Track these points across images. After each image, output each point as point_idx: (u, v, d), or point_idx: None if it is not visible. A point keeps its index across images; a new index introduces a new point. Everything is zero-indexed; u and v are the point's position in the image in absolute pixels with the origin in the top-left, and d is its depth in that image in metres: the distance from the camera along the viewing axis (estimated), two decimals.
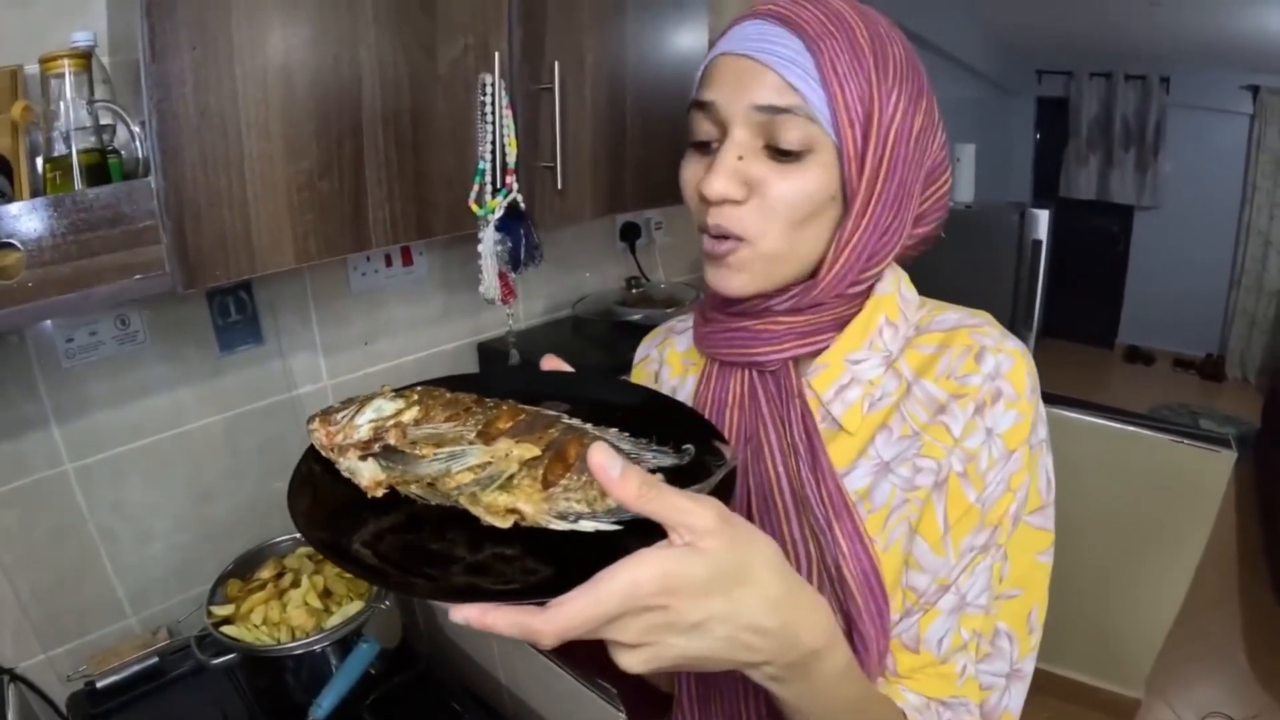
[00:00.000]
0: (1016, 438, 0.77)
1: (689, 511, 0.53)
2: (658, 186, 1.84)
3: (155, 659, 1.43)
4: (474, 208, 1.39)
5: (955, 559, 0.77)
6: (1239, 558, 3.46)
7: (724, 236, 0.77)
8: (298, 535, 1.49)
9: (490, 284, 1.42)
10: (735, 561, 0.54)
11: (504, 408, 0.70)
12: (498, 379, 0.84)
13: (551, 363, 0.80)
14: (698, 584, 0.53)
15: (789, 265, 0.78)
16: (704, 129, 0.79)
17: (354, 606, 1.37)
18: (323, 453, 0.70)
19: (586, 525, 0.59)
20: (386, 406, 0.71)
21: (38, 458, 1.40)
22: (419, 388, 0.74)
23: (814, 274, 0.80)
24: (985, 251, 3.10)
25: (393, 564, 0.60)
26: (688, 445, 0.67)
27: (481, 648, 1.42)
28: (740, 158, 0.75)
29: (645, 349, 1.07)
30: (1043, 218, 3.09)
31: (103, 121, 1.26)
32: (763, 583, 0.56)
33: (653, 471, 0.63)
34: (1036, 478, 0.80)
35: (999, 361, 0.78)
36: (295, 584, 1.38)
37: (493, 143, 1.39)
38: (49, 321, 1.37)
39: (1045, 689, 2.57)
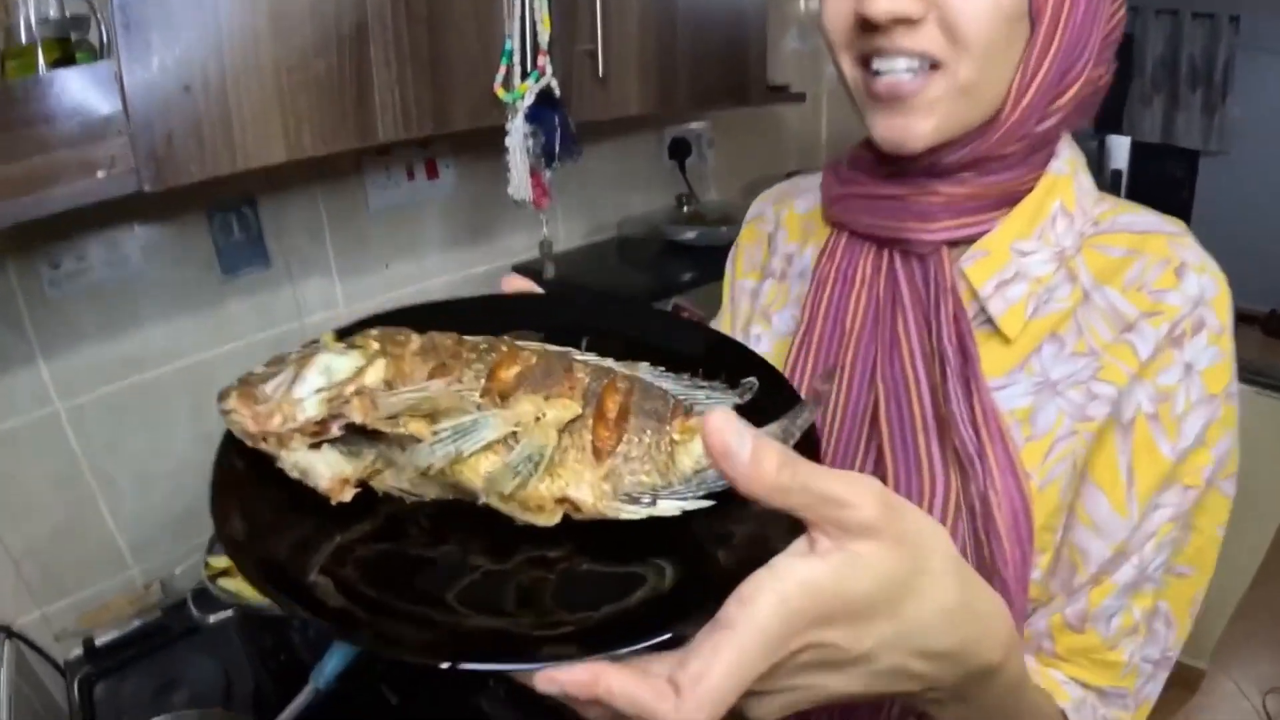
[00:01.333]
0: (1218, 380, 0.63)
1: (845, 503, 0.37)
2: (714, 85, 1.64)
3: (157, 614, 1.32)
4: (500, 93, 1.19)
5: (1138, 519, 0.64)
6: None
7: (909, 66, 0.62)
8: None
9: (520, 182, 1.21)
10: (906, 567, 0.39)
11: (502, 348, 0.51)
12: (456, 310, 0.63)
13: (516, 283, 0.64)
14: (862, 605, 0.38)
15: (975, 104, 0.63)
16: None
17: None
18: (249, 443, 0.48)
19: (669, 507, 0.44)
20: (338, 364, 0.48)
21: (25, 397, 1.27)
22: (374, 331, 0.51)
23: (993, 119, 0.65)
24: None
25: (365, 602, 0.41)
26: (748, 379, 0.52)
27: None
28: None
29: (760, 207, 0.90)
30: (1123, 145, 2.97)
31: (70, 13, 1.10)
32: (936, 590, 0.40)
33: None
34: (1232, 434, 0.66)
35: (1203, 285, 0.64)
36: None
37: (522, 18, 1.19)
38: (33, 248, 1.24)
39: None
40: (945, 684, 0.44)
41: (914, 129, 0.63)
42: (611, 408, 0.48)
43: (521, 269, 1.73)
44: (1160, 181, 5.60)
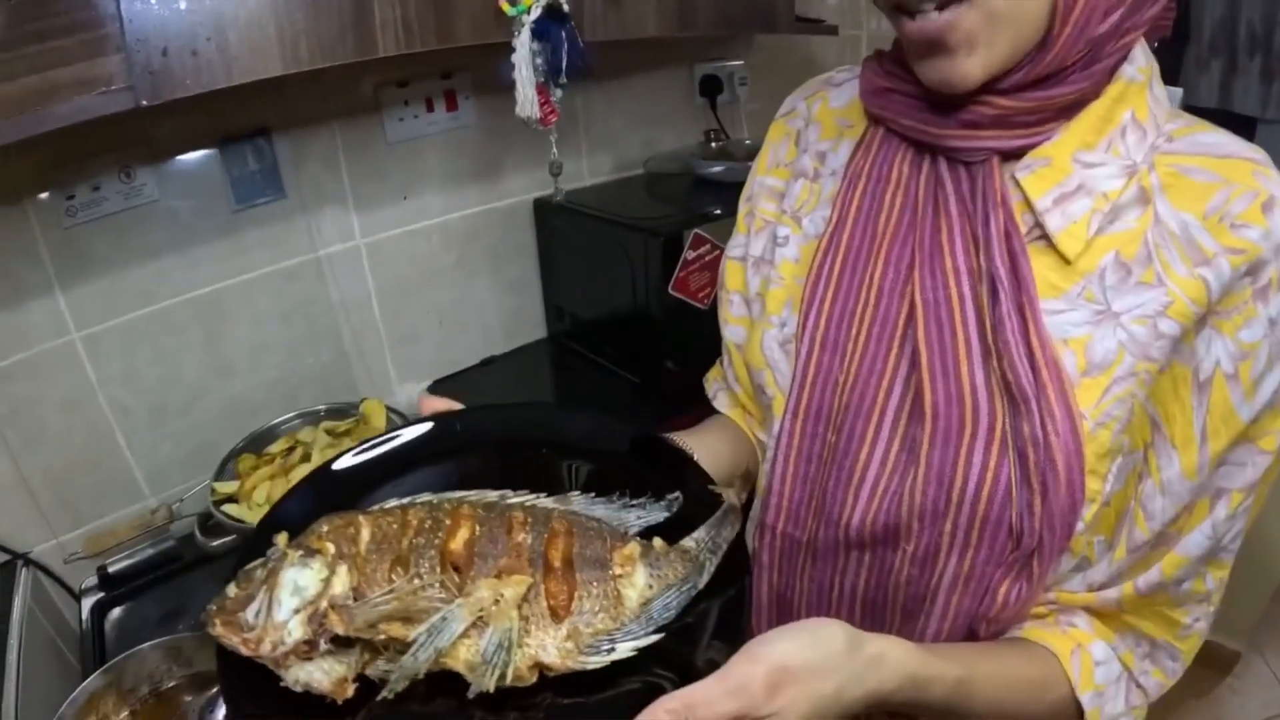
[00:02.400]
0: None
1: (737, 693, 0.47)
2: (738, 10, 1.57)
3: (170, 541, 1.31)
4: (505, 7, 1.15)
5: (1206, 478, 0.62)
6: None
7: (937, 2, 0.57)
8: (320, 408, 1.33)
9: (527, 100, 1.18)
10: (810, 707, 0.50)
11: (445, 522, 0.56)
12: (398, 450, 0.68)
13: (433, 404, 0.68)
14: None
15: (1017, 28, 0.58)
16: None
17: None
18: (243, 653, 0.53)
19: (625, 649, 0.52)
20: (304, 580, 0.52)
21: (42, 327, 1.27)
22: (324, 528, 0.55)
23: (1044, 37, 0.59)
24: None
25: None
26: (673, 493, 0.61)
27: None
28: None
29: (792, 101, 0.86)
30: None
31: None
32: (846, 697, 0.52)
33: (643, 536, 0.59)
34: None
35: None
36: (305, 459, 1.20)
37: None
38: (47, 178, 1.22)
39: None
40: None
41: (959, 70, 0.58)
42: (556, 558, 0.55)
43: (540, 202, 1.71)
44: None
